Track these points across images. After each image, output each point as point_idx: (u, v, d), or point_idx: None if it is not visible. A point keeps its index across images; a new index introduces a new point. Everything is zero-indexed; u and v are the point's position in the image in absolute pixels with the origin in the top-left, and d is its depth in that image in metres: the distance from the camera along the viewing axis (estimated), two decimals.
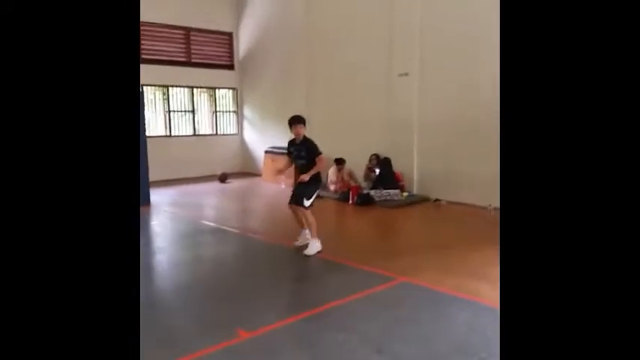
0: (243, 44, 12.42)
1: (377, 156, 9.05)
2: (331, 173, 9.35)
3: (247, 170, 12.53)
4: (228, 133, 12.76)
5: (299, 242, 5.42)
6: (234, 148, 12.74)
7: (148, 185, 8.42)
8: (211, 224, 6.84)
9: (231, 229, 6.50)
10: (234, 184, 10.85)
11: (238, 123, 12.88)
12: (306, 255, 5.12)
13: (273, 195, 9.60)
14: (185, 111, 11.94)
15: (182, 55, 11.61)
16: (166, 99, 11.42)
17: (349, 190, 8.53)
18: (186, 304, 3.91)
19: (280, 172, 5.61)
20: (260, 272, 4.78)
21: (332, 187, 9.23)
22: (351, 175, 9.34)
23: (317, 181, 5.24)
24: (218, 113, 12.56)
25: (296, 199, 5.23)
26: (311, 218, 5.21)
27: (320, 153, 5.17)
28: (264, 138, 11.99)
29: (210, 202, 9.26)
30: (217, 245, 5.94)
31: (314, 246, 5.17)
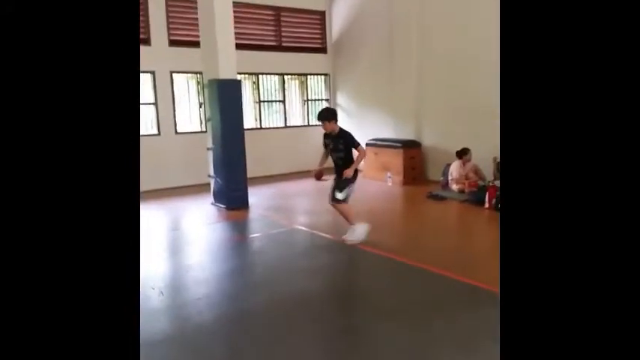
0: (336, 24, 11.13)
1: None
2: (453, 169, 7.87)
3: None
4: (320, 123, 11.58)
5: (346, 237, 5.26)
6: None
7: (246, 187, 7.39)
8: (323, 235, 5.65)
9: (362, 247, 5.25)
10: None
11: None
12: (346, 241, 5.12)
13: (380, 195, 8.29)
14: (275, 101, 10.91)
15: (272, 38, 10.53)
16: (256, 88, 10.41)
17: (483, 189, 7.02)
18: None
19: (319, 173, 5.56)
20: (424, 320, 3.47)
21: (455, 187, 7.76)
22: (476, 171, 7.81)
23: (352, 174, 5.08)
24: (309, 102, 11.42)
25: (332, 194, 5.16)
26: (346, 209, 5.17)
27: (359, 144, 5.10)
28: (361, 128, 10.65)
29: (311, 205, 8.08)
30: (345, 270, 4.73)
31: (357, 231, 5.15)
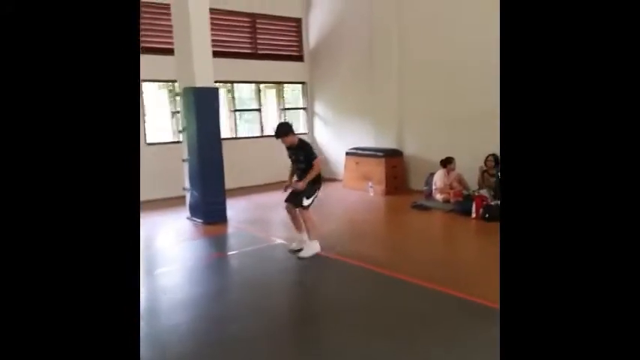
0: (313, 31, 10.92)
1: (495, 156, 7.36)
2: (437, 178, 7.72)
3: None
4: (298, 132, 11.28)
5: (295, 245, 5.31)
6: None
7: (225, 200, 7.03)
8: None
9: (346, 260, 4.98)
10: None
11: (308, 121, 11.42)
12: (300, 257, 5.07)
13: (362, 205, 8.07)
14: (251, 109, 10.59)
15: (248, 46, 10.23)
16: (232, 96, 10.07)
17: (468, 199, 6.88)
18: None
19: (288, 185, 5.31)
20: (419, 337, 3.21)
21: (439, 196, 7.60)
22: (460, 180, 7.68)
23: (316, 181, 5.14)
24: (285, 111, 11.14)
25: (295, 200, 5.16)
26: (311, 219, 5.17)
27: (316, 157, 5.18)
28: (340, 138, 10.47)
29: None
30: (332, 285, 4.44)
31: (311, 247, 5.12)
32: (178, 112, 8.23)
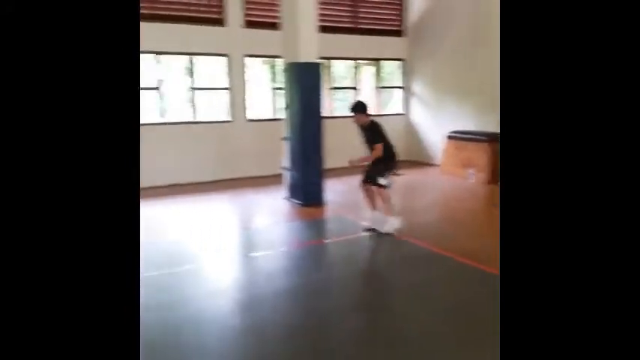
0: (416, 4, 10.29)
1: None
2: None
3: (414, 158, 10.50)
4: (393, 112, 10.83)
5: (366, 225, 5.47)
6: (398, 130, 10.76)
7: (322, 182, 6.81)
8: (413, 242, 4.99)
9: (452, 256, 4.57)
10: (408, 176, 8.82)
11: (405, 101, 10.89)
12: (386, 233, 5.24)
13: (465, 194, 7.52)
14: (348, 87, 10.27)
15: (347, 20, 9.85)
16: (328, 74, 9.80)
17: None
18: None
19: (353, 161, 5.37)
20: None
21: None
22: None
23: (388, 161, 5.25)
24: (382, 89, 10.70)
25: (371, 179, 5.32)
26: (389, 197, 5.31)
27: (378, 142, 5.17)
28: (439, 120, 9.87)
29: (398, 203, 7.20)
30: (450, 288, 4.06)
31: (392, 223, 5.28)
32: (280, 88, 8.11)
